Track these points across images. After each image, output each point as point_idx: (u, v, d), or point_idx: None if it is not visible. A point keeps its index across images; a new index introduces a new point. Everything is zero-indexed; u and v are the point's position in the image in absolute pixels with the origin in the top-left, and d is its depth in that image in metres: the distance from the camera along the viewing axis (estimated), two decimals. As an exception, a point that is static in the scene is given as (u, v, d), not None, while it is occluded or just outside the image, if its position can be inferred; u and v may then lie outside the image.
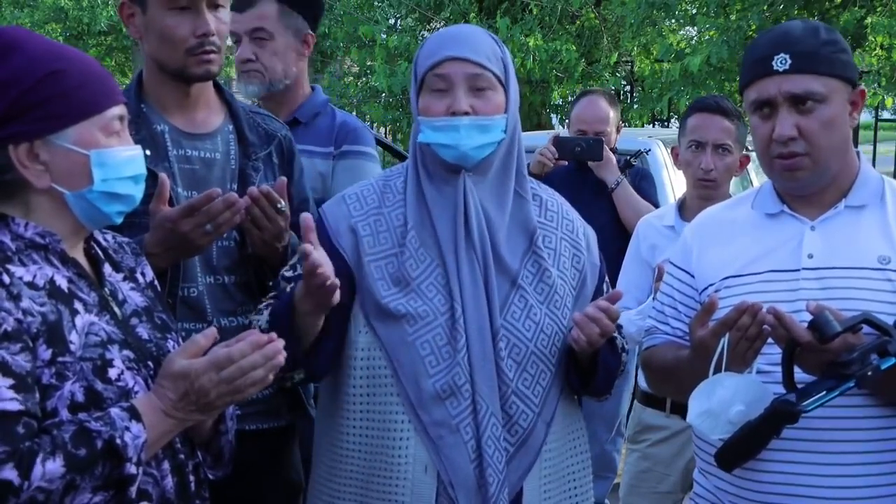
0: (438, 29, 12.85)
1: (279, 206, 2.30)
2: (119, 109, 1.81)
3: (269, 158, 2.53)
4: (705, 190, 3.31)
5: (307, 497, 2.35)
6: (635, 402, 3.69)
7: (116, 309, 1.83)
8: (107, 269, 1.88)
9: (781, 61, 2.04)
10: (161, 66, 2.42)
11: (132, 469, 1.65)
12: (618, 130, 4.68)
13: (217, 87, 2.54)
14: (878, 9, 10.02)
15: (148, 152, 2.33)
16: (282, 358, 1.75)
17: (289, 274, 2.22)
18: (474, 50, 2.17)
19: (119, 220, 1.84)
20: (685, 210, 3.38)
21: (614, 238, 3.90)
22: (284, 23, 3.04)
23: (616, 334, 2.26)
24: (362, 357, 2.17)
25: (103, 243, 1.92)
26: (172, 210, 2.19)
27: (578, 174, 4.32)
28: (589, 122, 4.49)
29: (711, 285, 2.18)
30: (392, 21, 13.30)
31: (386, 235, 2.19)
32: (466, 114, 2.14)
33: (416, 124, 2.23)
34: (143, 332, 1.86)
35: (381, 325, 2.15)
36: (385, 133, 14.80)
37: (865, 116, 15.65)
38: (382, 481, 2.14)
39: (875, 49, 10.28)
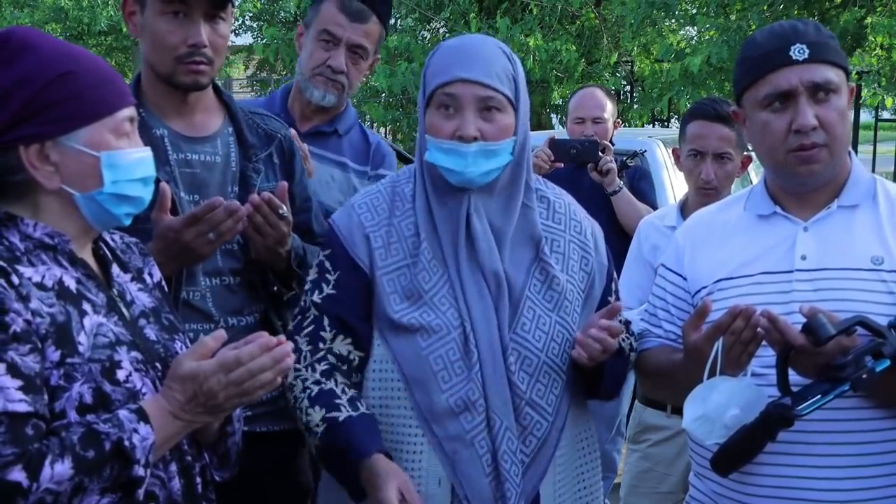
0: (438, 29, 12.88)
1: (281, 211, 2.30)
2: (129, 111, 1.81)
3: (270, 159, 2.53)
4: (706, 198, 3.32)
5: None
6: (636, 402, 3.69)
7: (124, 310, 1.83)
8: (115, 269, 1.88)
9: (799, 51, 2.04)
10: (154, 70, 2.42)
11: (140, 471, 1.66)
12: (615, 126, 4.70)
13: (216, 88, 2.53)
14: (878, 9, 10.01)
15: (150, 151, 2.34)
16: (290, 360, 1.75)
17: (318, 300, 2.20)
18: (486, 71, 2.12)
19: (128, 222, 1.84)
20: (687, 210, 3.38)
21: (612, 240, 3.88)
22: (376, 45, 3.06)
23: (624, 335, 2.25)
24: (375, 369, 2.17)
25: (111, 244, 1.93)
26: (175, 220, 2.20)
27: (575, 176, 4.32)
28: (588, 108, 4.52)
29: (704, 288, 2.18)
30: (392, 21, 13.29)
31: (397, 246, 2.18)
32: (475, 139, 2.11)
33: (421, 138, 2.21)
34: (151, 333, 1.86)
35: (394, 338, 2.14)
36: (385, 133, 14.79)
37: (865, 116, 15.65)
38: None
39: (875, 49, 10.29)
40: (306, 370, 2.16)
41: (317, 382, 2.14)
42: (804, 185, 2.13)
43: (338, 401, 2.11)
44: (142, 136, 2.32)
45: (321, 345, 2.18)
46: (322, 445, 2.09)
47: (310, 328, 2.20)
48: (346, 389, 2.14)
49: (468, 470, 2.11)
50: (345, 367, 2.17)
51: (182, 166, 2.41)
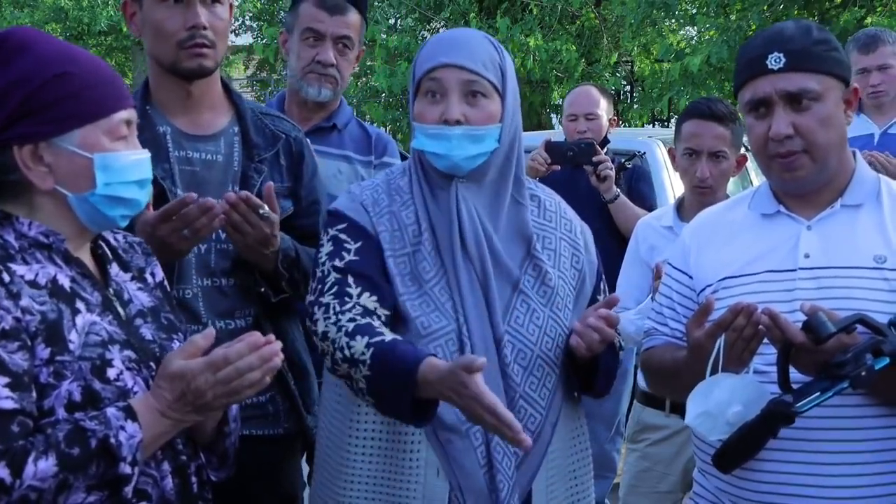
0: (438, 29, 12.90)
1: (261, 211, 2.26)
2: (127, 113, 1.80)
3: (276, 159, 2.51)
4: (702, 196, 3.32)
5: (310, 498, 2.32)
6: (635, 401, 3.69)
7: (120, 309, 1.83)
8: (114, 269, 1.88)
9: (775, 60, 2.05)
10: (158, 63, 2.42)
11: (126, 469, 1.65)
12: (612, 124, 4.69)
13: (225, 87, 2.53)
14: (878, 9, 10.02)
15: (149, 153, 2.33)
16: (279, 360, 1.73)
17: (339, 265, 2.13)
18: (470, 56, 2.15)
19: (123, 224, 1.84)
20: (683, 211, 3.39)
21: (609, 242, 3.90)
22: (360, 35, 3.14)
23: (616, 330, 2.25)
24: None
25: (112, 243, 1.93)
26: (151, 214, 2.18)
27: (572, 178, 4.31)
28: (581, 105, 4.54)
29: (709, 286, 2.18)
30: (392, 21, 13.32)
31: (399, 234, 2.17)
32: (458, 122, 2.13)
33: (413, 129, 2.22)
34: (147, 332, 1.86)
35: (395, 326, 2.12)
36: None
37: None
38: (393, 483, 2.13)
39: (875, 49, 10.27)
40: (335, 316, 2.06)
41: (352, 320, 2.04)
42: (793, 188, 2.14)
43: (379, 330, 2.02)
44: (145, 133, 2.34)
45: (347, 299, 2.09)
46: (373, 367, 1.95)
47: (333, 289, 2.10)
48: (383, 326, 2.05)
49: (462, 460, 2.10)
50: (374, 320, 2.08)
51: (182, 164, 2.41)
